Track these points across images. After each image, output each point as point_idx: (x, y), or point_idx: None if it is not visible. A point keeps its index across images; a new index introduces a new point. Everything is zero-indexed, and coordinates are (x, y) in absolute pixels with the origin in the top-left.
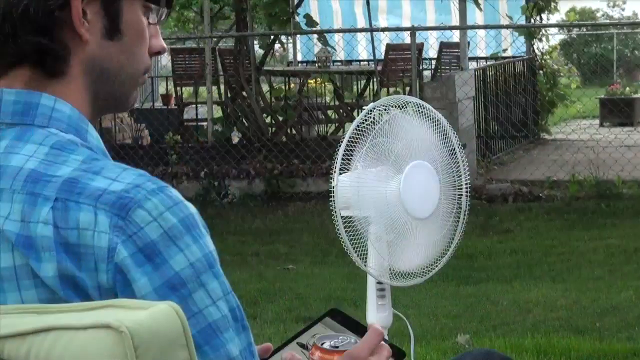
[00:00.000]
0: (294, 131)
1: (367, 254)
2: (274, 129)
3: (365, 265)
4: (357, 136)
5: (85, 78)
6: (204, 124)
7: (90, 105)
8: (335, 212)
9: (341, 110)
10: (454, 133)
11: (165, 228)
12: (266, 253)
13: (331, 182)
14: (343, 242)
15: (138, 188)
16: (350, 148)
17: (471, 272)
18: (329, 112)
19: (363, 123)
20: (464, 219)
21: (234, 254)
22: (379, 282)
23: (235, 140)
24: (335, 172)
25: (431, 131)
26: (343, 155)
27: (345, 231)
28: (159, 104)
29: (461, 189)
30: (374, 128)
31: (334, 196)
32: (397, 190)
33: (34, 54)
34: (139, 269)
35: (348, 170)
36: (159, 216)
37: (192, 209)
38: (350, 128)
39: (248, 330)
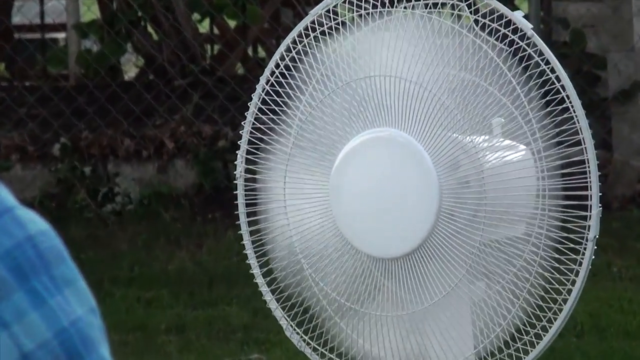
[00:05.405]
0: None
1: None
2: (216, 47)
3: None
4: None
5: None
6: (59, 36)
7: None
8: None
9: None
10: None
11: None
12: (202, 324)
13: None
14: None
15: None
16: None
17: None
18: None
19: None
20: (589, 261)
21: (131, 329)
22: None
23: (131, 73)
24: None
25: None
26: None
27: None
28: None
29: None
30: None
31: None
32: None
33: None
34: None
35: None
36: None
37: (41, 233)
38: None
39: None
